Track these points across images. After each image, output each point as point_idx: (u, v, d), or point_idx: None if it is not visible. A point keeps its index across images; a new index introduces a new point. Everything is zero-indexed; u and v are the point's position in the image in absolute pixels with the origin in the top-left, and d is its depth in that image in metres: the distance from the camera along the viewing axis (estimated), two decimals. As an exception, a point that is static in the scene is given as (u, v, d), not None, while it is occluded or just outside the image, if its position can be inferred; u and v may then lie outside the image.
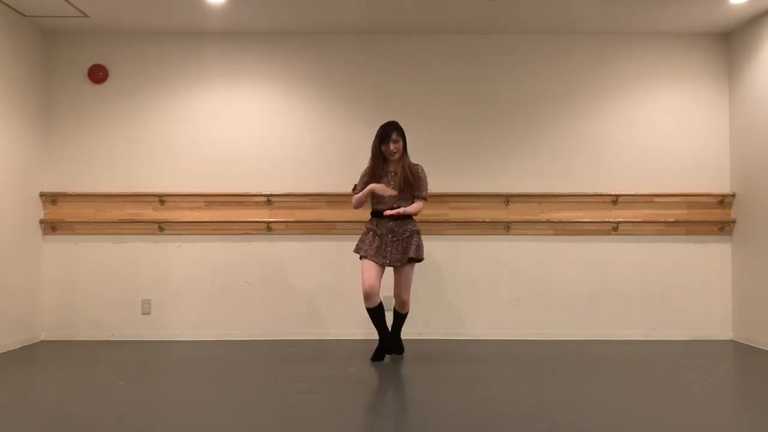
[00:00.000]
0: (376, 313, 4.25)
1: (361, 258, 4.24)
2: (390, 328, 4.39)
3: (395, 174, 4.25)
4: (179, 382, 3.88)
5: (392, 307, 4.37)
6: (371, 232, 4.24)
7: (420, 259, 4.26)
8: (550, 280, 5.23)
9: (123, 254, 5.20)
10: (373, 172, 4.27)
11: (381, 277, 4.21)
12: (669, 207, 5.23)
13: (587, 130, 5.28)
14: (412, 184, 4.25)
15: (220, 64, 5.26)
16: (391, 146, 4.20)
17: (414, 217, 4.31)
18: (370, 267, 4.18)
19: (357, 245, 4.28)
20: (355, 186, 4.35)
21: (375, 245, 4.21)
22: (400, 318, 4.39)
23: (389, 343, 4.38)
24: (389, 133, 4.21)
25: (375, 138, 4.27)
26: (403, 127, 4.28)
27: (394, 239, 4.21)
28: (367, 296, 4.17)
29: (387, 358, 4.38)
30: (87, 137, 5.23)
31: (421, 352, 4.60)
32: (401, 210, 4.18)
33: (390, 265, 4.23)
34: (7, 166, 4.75)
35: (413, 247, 4.21)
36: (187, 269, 5.21)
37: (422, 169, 4.31)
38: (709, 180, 5.25)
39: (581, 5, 4.71)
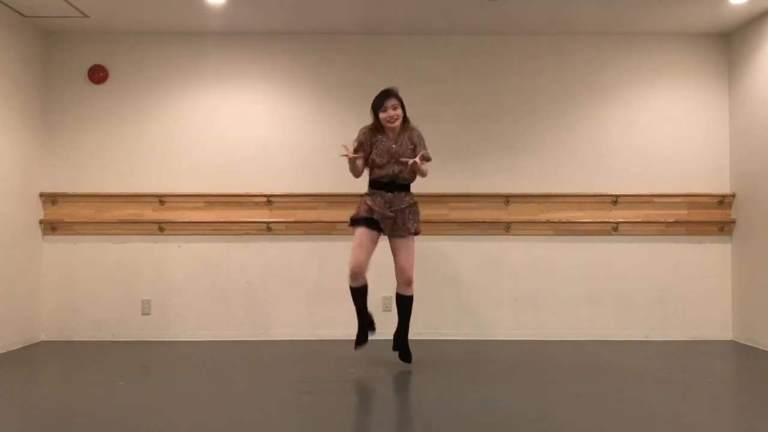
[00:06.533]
0: (361, 294, 4.01)
1: (354, 225, 4.01)
2: (396, 330, 4.12)
3: (395, 145, 3.97)
4: (179, 383, 3.88)
5: (395, 295, 4.10)
6: (367, 205, 3.98)
7: (418, 233, 4.07)
8: (550, 280, 5.22)
9: (123, 254, 5.20)
10: (361, 143, 4.00)
11: (371, 256, 3.99)
12: (669, 207, 5.23)
13: (587, 131, 5.28)
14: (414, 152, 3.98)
15: (220, 64, 5.26)
16: (390, 111, 3.94)
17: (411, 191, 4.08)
18: (362, 242, 3.94)
19: (353, 215, 4.04)
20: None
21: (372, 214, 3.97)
22: (405, 305, 4.06)
23: (371, 322, 4.09)
24: (382, 101, 3.97)
25: (371, 109, 4.01)
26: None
27: (392, 210, 3.95)
28: (354, 275, 3.95)
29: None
30: (87, 137, 5.23)
31: (420, 353, 4.58)
32: (417, 160, 3.87)
33: (388, 234, 3.99)
34: (7, 166, 4.75)
35: (412, 221, 3.99)
36: (187, 269, 5.21)
37: (420, 133, 4.07)
38: (709, 180, 5.25)
39: (581, 5, 4.71)
